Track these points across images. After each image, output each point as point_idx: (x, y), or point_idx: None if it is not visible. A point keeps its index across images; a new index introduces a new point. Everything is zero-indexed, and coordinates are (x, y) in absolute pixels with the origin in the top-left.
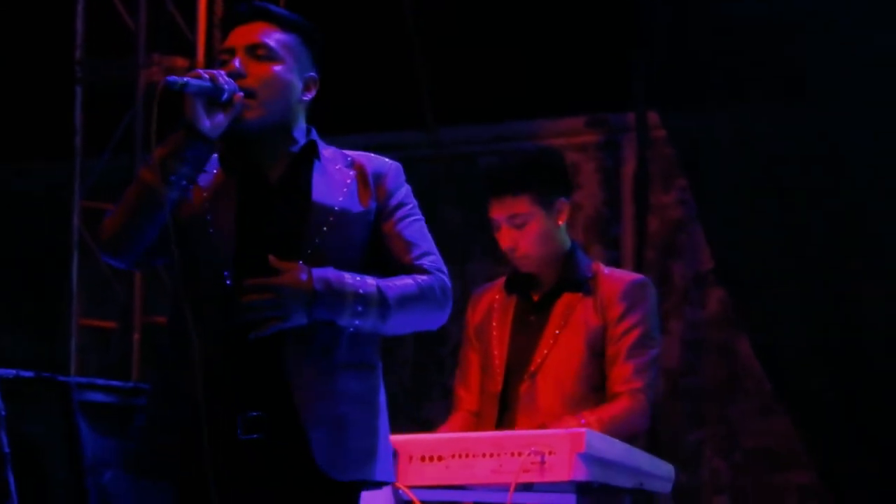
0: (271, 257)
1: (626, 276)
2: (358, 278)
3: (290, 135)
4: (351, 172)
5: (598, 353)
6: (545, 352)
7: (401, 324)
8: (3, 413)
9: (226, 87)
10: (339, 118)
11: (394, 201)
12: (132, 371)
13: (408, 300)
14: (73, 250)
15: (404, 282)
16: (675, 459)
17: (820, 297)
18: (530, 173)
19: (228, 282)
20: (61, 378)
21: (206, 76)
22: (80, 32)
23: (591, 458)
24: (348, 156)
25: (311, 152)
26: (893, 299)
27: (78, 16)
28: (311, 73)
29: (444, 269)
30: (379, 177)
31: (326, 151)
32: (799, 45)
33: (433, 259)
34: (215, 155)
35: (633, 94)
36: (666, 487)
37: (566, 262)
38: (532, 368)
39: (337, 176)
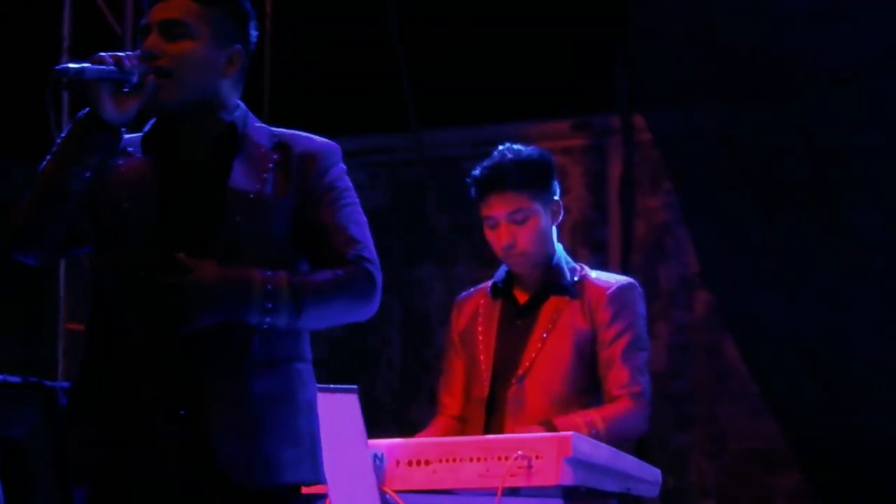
0: (180, 255)
1: (613, 279)
2: (268, 274)
3: (216, 115)
4: (274, 156)
5: (585, 357)
6: (533, 355)
7: (319, 318)
8: None
9: (133, 69)
10: (324, 120)
11: (321, 186)
12: None
13: (324, 294)
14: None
15: (322, 275)
16: (663, 462)
17: (806, 298)
18: (531, 170)
19: (142, 273)
20: (48, 383)
21: (110, 59)
22: (66, 37)
23: (577, 463)
24: (276, 136)
25: (231, 135)
26: (879, 299)
27: (65, 20)
28: (237, 46)
29: (373, 257)
30: (305, 159)
31: (254, 132)
32: (782, 44)
33: (359, 247)
34: (139, 136)
35: (617, 97)
36: (653, 491)
37: (553, 265)
38: (520, 372)
39: (259, 160)
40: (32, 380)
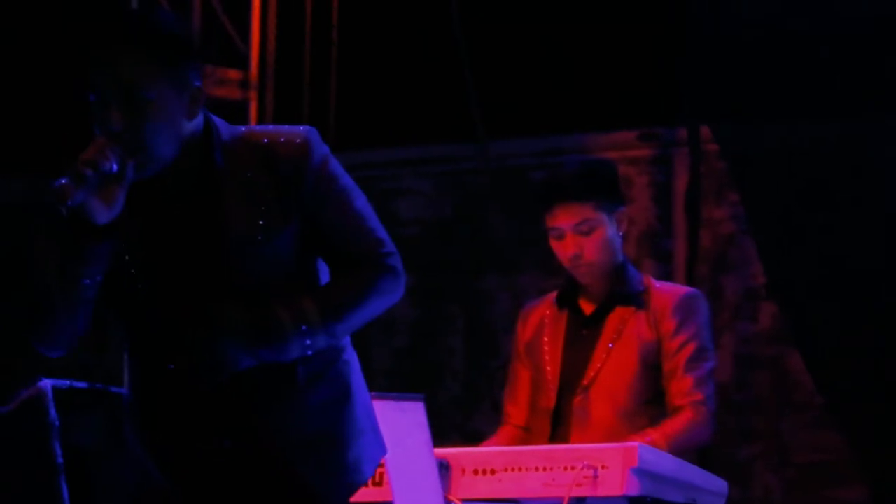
0: (207, 305)
1: (679, 289)
2: (296, 309)
3: (190, 156)
4: (264, 179)
5: (651, 367)
6: (598, 366)
7: (352, 327)
8: (57, 424)
9: (111, 163)
10: (389, 130)
11: (319, 192)
12: None
13: (353, 306)
14: None
15: (346, 287)
16: (727, 475)
17: (871, 311)
18: (595, 181)
19: (164, 333)
20: (115, 389)
21: (89, 171)
22: None
23: (643, 473)
24: (257, 148)
25: (214, 173)
26: None
27: None
28: (196, 84)
29: (388, 248)
30: (295, 168)
31: (234, 155)
32: (850, 59)
33: (373, 243)
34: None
35: (684, 108)
36: (718, 503)
37: (618, 275)
38: (585, 382)
39: (250, 193)
40: (98, 386)
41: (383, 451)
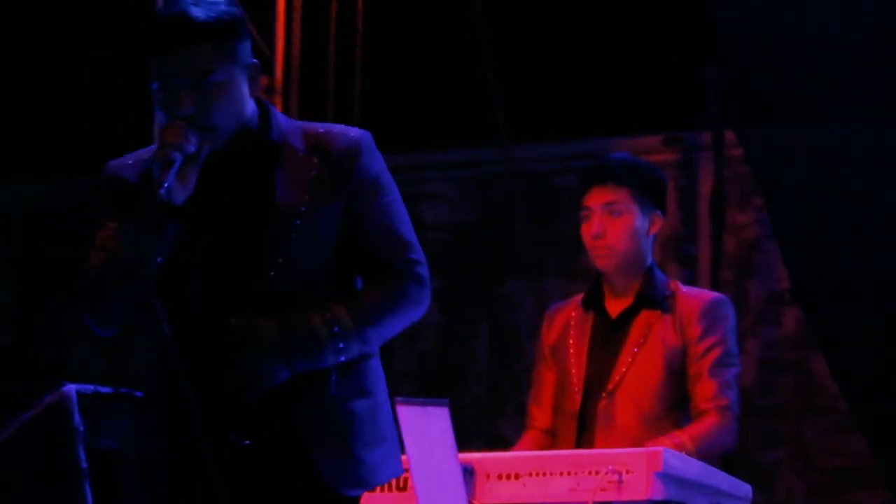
0: (233, 321)
1: (705, 294)
2: (328, 316)
3: (248, 132)
4: (315, 160)
5: (676, 372)
6: (623, 370)
7: (383, 337)
8: (81, 428)
9: (190, 146)
10: (413, 134)
11: (364, 185)
12: None
13: (383, 315)
14: None
15: (377, 295)
16: (750, 479)
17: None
18: (639, 172)
19: (206, 319)
20: (139, 394)
21: (177, 155)
22: None
23: (668, 478)
24: (312, 136)
25: (269, 149)
26: None
27: None
28: (252, 61)
29: (419, 256)
30: (346, 159)
31: (290, 137)
32: (876, 62)
33: (406, 250)
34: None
35: (709, 113)
36: None
37: (645, 278)
38: (610, 386)
39: (301, 169)
40: (123, 390)
41: (400, 468)
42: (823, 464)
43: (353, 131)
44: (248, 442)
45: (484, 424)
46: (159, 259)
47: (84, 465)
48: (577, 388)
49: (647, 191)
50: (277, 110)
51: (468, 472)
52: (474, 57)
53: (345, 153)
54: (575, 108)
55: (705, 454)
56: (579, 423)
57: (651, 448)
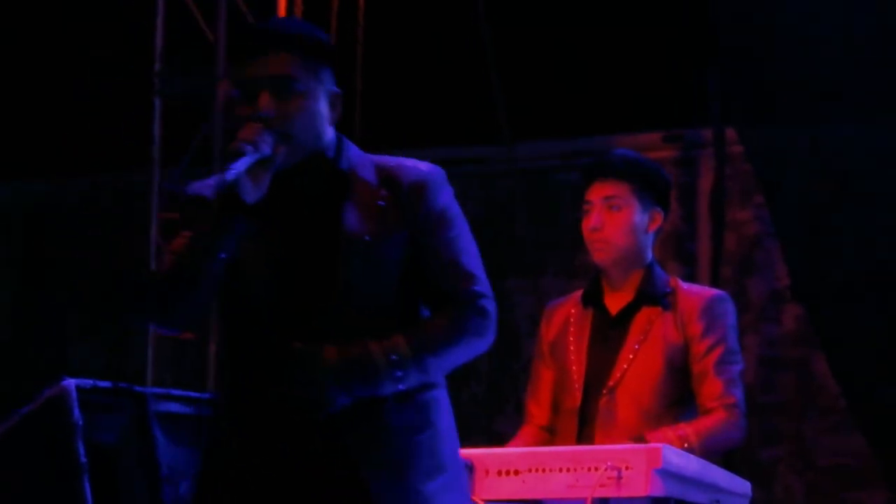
0: (297, 345)
1: (705, 291)
2: (387, 344)
3: (323, 158)
4: (384, 192)
5: (677, 369)
6: (624, 366)
7: (445, 367)
8: (80, 423)
9: (267, 147)
10: (417, 132)
11: (431, 218)
12: (208, 382)
13: (444, 345)
14: (151, 261)
15: (439, 326)
16: (750, 476)
17: None
18: (640, 168)
19: (270, 339)
20: (138, 388)
21: (250, 148)
22: (159, 44)
23: (667, 474)
24: (382, 169)
25: (340, 177)
26: None
27: (158, 28)
28: (335, 90)
29: (486, 290)
30: (414, 191)
31: (360, 167)
32: (876, 61)
33: (472, 282)
34: None
35: (710, 110)
36: None
37: (645, 275)
38: (611, 383)
39: (369, 198)
40: (122, 385)
41: (463, 499)
42: (823, 462)
43: (424, 165)
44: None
45: (483, 422)
46: (223, 255)
47: (83, 459)
48: (577, 386)
49: (648, 187)
50: (352, 143)
51: (468, 468)
52: (476, 54)
53: (413, 186)
54: (576, 105)
55: (711, 449)
56: (580, 421)
57: (651, 444)
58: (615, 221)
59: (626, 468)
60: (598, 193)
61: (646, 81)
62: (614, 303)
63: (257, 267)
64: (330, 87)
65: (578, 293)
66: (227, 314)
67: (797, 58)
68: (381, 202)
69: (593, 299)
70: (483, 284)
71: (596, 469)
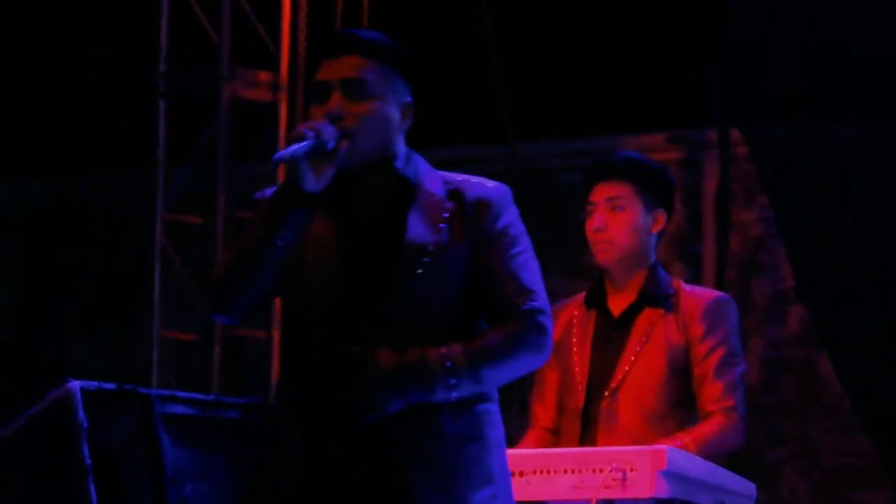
0: (354, 349)
1: (708, 293)
2: (444, 351)
3: (391, 167)
4: (449, 205)
5: (679, 371)
6: (626, 368)
7: (498, 379)
8: (85, 425)
9: (330, 138)
10: (419, 132)
11: (495, 231)
12: (213, 384)
13: (499, 357)
14: (156, 262)
15: (495, 337)
16: (754, 477)
17: None
18: (643, 169)
19: (328, 336)
20: (143, 390)
21: (311, 133)
22: (164, 45)
23: (672, 476)
24: (449, 183)
25: (407, 186)
26: None
27: (162, 29)
28: (407, 100)
29: (544, 306)
30: (479, 206)
31: (427, 180)
32: (881, 62)
33: (530, 297)
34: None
35: (714, 111)
36: None
37: (648, 276)
38: (613, 385)
39: (434, 210)
40: (127, 387)
41: None
42: (827, 463)
43: (491, 183)
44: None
45: None
46: (281, 243)
47: (88, 461)
48: (580, 387)
49: (652, 188)
50: (422, 158)
51: None
52: (479, 54)
53: (477, 202)
54: (580, 105)
55: (709, 456)
56: (583, 422)
57: (655, 446)
58: (618, 222)
59: (631, 470)
60: (601, 194)
61: (649, 82)
62: (617, 304)
63: (320, 267)
64: (402, 97)
65: (581, 295)
66: (288, 314)
67: (801, 57)
68: (445, 214)
69: (596, 301)
70: (541, 301)
71: (601, 471)
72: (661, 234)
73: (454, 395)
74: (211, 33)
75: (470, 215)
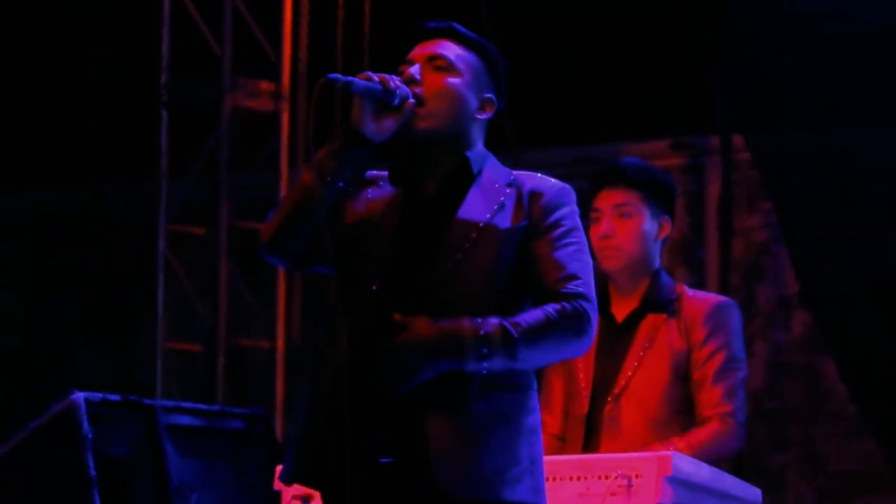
0: (396, 315)
1: (710, 298)
2: (479, 321)
3: (459, 152)
4: (508, 191)
5: (682, 376)
6: (629, 374)
7: (535, 357)
8: (90, 436)
9: (397, 91)
10: None
11: (548, 221)
12: (217, 394)
13: (536, 335)
14: (159, 273)
15: (534, 315)
16: (760, 483)
17: None
18: (649, 176)
19: (376, 300)
20: (147, 401)
21: (377, 79)
22: (165, 56)
23: (677, 482)
24: (512, 175)
25: (469, 169)
26: None
27: (164, 39)
28: (489, 95)
29: (590, 294)
30: (535, 194)
31: (492, 170)
32: (882, 66)
33: (577, 283)
34: (387, 170)
35: (716, 117)
36: None
37: (651, 282)
38: (616, 390)
39: (492, 193)
40: (132, 398)
41: (536, 500)
42: (833, 468)
43: (553, 180)
44: (384, 439)
45: None
46: (341, 184)
47: (92, 472)
48: (584, 393)
49: (658, 195)
50: (497, 160)
51: None
52: None
53: (535, 191)
54: (582, 112)
55: (705, 462)
56: (586, 428)
57: (661, 452)
58: (626, 228)
59: (637, 476)
60: (607, 201)
61: (652, 88)
62: (621, 310)
63: (377, 235)
64: (483, 89)
65: None
66: (342, 279)
67: (803, 62)
68: (501, 198)
69: (601, 307)
70: (587, 288)
71: (607, 477)
72: (665, 240)
73: (485, 365)
74: (212, 43)
75: (527, 203)
